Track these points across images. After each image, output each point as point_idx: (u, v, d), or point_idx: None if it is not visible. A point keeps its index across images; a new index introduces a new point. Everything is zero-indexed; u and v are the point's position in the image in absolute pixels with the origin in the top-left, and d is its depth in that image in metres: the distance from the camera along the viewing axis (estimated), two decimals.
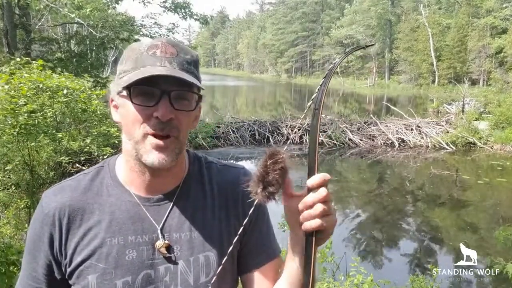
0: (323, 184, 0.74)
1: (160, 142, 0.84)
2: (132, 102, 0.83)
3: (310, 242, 0.76)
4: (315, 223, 0.74)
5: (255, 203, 0.78)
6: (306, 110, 0.80)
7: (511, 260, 3.54)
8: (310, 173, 0.75)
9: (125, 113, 0.86)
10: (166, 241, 0.90)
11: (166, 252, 0.89)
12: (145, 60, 0.84)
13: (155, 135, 0.84)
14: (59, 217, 0.89)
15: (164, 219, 0.92)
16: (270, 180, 0.73)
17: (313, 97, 0.77)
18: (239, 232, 0.88)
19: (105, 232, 0.88)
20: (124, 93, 0.85)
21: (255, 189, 0.74)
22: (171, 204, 0.93)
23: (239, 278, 1.02)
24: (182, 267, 0.90)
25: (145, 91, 0.83)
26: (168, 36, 12.64)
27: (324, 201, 0.74)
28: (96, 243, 0.88)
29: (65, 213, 0.89)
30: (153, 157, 0.84)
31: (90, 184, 0.93)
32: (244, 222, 0.88)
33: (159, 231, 0.90)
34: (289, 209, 0.80)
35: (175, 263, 0.90)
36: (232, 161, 11.78)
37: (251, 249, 0.96)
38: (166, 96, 0.83)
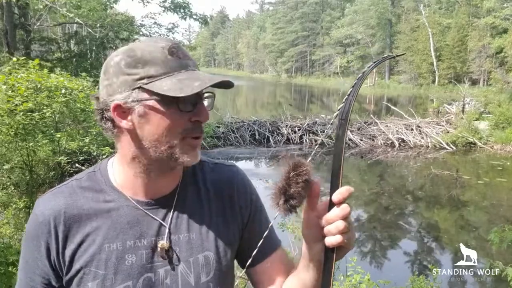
0: (348, 197, 0.73)
1: (197, 142, 0.88)
2: (180, 110, 0.83)
3: (330, 258, 0.74)
4: (335, 239, 0.72)
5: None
6: (331, 121, 0.79)
7: (510, 264, 3.52)
8: (334, 186, 0.73)
9: (158, 120, 0.83)
10: (165, 244, 0.89)
11: (165, 254, 0.89)
12: (171, 63, 0.83)
13: (193, 137, 0.86)
14: (54, 225, 0.87)
15: (161, 222, 0.91)
16: (292, 193, 0.71)
17: (339, 107, 0.74)
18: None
19: (103, 238, 0.87)
20: (151, 102, 0.82)
21: (277, 201, 0.72)
22: (169, 207, 0.93)
23: (245, 272, 1.02)
24: (182, 269, 0.90)
25: (183, 98, 0.81)
26: (168, 36, 12.64)
27: (346, 217, 0.72)
28: (94, 249, 0.87)
29: (60, 220, 0.87)
30: (193, 157, 0.87)
31: (84, 190, 0.91)
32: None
33: (157, 235, 0.90)
34: (307, 223, 0.79)
35: (175, 265, 0.90)
36: (232, 162, 11.81)
37: (253, 243, 0.96)
38: (201, 100, 0.86)
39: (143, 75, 0.81)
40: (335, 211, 0.72)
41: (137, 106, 0.83)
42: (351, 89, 0.74)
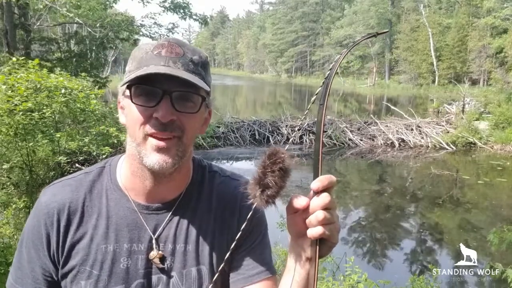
0: (329, 186, 0.67)
1: (161, 143, 0.81)
2: (132, 102, 0.81)
3: (313, 251, 0.70)
4: (316, 231, 0.67)
5: (248, 216, 0.72)
6: (309, 106, 0.74)
7: (510, 265, 3.52)
8: (315, 174, 0.68)
9: (128, 114, 0.84)
10: (161, 252, 0.88)
11: (159, 262, 0.88)
12: (149, 59, 0.81)
13: (155, 136, 0.81)
14: (58, 218, 0.87)
15: (161, 229, 0.90)
16: (267, 182, 0.67)
17: (317, 91, 0.70)
18: (231, 247, 0.81)
19: (101, 238, 0.87)
20: (127, 93, 0.83)
21: (253, 192, 0.68)
22: (170, 214, 0.91)
23: None
24: (174, 279, 0.89)
25: (147, 91, 0.80)
26: (168, 36, 12.63)
27: (327, 208, 0.67)
28: (92, 248, 0.87)
29: (64, 214, 0.88)
30: (154, 159, 0.81)
31: (91, 185, 0.91)
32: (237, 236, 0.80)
33: (154, 241, 0.89)
34: (290, 217, 0.75)
35: (168, 274, 0.89)
36: (232, 162, 11.76)
37: (242, 263, 0.92)
38: (167, 96, 0.80)
39: (127, 70, 0.85)
40: (315, 201, 0.67)
41: (123, 100, 0.87)
42: (328, 71, 0.71)
